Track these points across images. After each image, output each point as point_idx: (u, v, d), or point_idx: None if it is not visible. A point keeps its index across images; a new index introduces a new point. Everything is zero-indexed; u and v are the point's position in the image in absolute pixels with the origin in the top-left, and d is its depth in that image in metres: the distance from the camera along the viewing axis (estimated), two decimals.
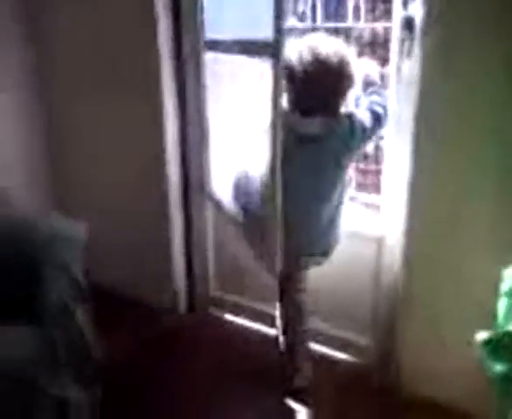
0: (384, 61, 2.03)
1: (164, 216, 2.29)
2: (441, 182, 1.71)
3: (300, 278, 1.89)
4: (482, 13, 1.51)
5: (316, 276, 1.92)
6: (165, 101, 2.13)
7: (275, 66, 1.50)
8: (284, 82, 1.66)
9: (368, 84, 1.80)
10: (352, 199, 1.99)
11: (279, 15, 1.45)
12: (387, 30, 2.23)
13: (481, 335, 1.17)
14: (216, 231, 2.37)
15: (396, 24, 1.73)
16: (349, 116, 1.70)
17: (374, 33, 2.41)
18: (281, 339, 1.98)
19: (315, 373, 1.99)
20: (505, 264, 1.24)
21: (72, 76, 2.33)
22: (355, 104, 1.83)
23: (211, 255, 2.41)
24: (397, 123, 1.78)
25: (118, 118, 2.26)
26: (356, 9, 2.48)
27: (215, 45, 1.96)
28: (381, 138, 2.19)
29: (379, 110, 1.72)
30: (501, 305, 1.20)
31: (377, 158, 2.39)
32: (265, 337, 2.25)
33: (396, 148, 1.81)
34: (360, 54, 1.97)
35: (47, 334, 1.52)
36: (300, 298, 1.90)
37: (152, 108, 2.15)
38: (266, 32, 1.49)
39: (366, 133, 1.70)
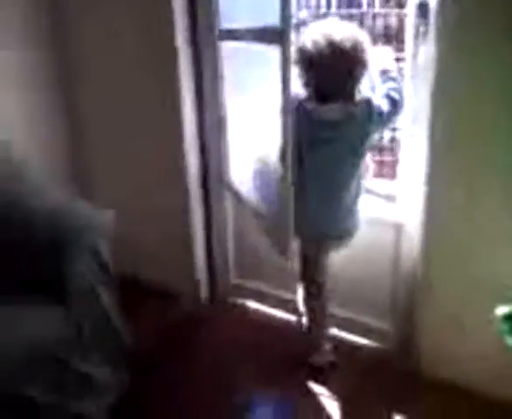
0: (399, 49, 2.04)
1: (185, 209, 2.34)
2: (458, 169, 1.70)
3: (320, 262, 1.93)
4: None
5: (336, 261, 1.96)
6: (182, 91, 2.16)
7: (284, 52, 1.52)
8: (300, 69, 1.70)
9: (384, 71, 1.81)
10: (369, 189, 2.01)
11: (285, 2, 1.49)
12: (401, 18, 2.25)
13: (501, 310, 1.19)
14: (235, 221, 2.41)
15: (411, 11, 1.74)
16: (367, 101, 1.72)
17: (387, 23, 2.42)
18: (303, 319, 2.03)
19: (337, 357, 2.03)
20: None
21: (96, 73, 2.39)
22: (371, 91, 1.84)
23: (231, 244, 2.45)
24: (413, 111, 1.79)
25: (138, 112, 2.31)
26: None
27: (230, 34, 2.00)
28: (396, 129, 2.21)
29: (396, 96, 1.74)
30: None
31: (392, 150, 2.41)
32: (285, 323, 2.29)
33: (412, 136, 1.82)
34: (375, 42, 1.98)
35: (75, 315, 1.59)
36: (320, 279, 1.94)
37: (170, 98, 2.18)
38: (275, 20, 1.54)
39: (383, 118, 1.72)
